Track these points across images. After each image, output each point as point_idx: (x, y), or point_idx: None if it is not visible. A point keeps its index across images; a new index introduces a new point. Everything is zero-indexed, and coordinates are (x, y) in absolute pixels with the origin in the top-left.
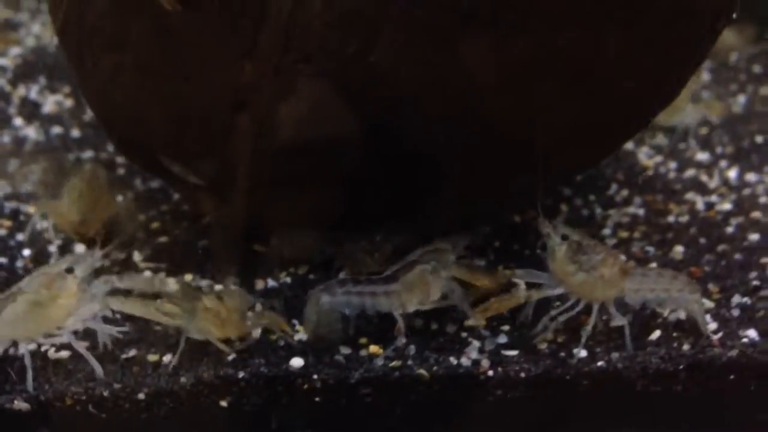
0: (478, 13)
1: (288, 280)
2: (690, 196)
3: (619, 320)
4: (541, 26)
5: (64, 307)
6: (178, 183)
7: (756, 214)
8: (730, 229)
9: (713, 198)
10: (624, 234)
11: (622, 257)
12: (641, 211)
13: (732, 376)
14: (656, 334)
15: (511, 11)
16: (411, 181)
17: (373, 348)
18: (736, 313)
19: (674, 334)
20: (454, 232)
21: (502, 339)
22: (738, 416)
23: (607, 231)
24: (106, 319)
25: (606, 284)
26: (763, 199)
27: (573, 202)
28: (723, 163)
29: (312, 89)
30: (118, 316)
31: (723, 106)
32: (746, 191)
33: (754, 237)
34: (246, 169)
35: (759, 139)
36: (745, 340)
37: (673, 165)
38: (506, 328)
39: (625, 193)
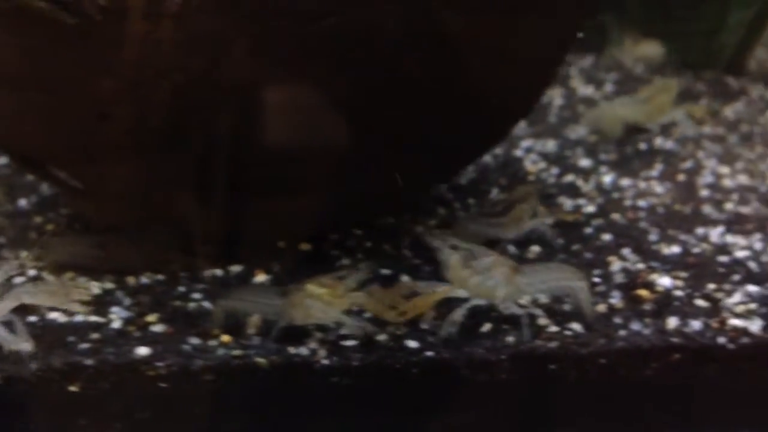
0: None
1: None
2: (561, 199)
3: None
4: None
5: None
6: (68, 189)
7: (615, 216)
8: (588, 230)
9: (581, 201)
10: None
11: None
12: None
13: (552, 366)
14: (487, 326)
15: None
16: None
17: (225, 338)
18: (567, 307)
19: (503, 326)
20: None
21: (345, 331)
22: (557, 404)
23: None
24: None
25: (502, 283)
26: (627, 202)
27: (452, 205)
28: (603, 169)
29: (170, 102)
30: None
31: (704, 109)
32: (615, 194)
33: (606, 237)
34: (119, 173)
35: (642, 146)
36: (568, 332)
37: (554, 171)
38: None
39: (504, 197)
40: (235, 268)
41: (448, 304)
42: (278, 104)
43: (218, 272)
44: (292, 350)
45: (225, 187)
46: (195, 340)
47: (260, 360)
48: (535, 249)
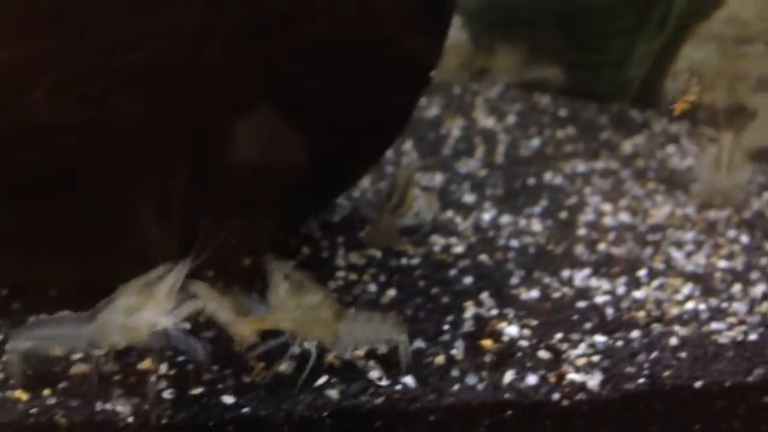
0: None
1: None
2: (434, 238)
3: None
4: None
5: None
6: None
7: (483, 257)
8: (453, 272)
9: (453, 240)
10: (353, 276)
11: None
12: (379, 254)
13: (378, 424)
14: (323, 378)
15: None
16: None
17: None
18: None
19: (333, 380)
20: None
21: (162, 384)
22: None
23: (340, 273)
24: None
25: (321, 324)
26: (501, 241)
27: (319, 243)
28: (486, 205)
29: None
30: None
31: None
32: (491, 233)
33: (468, 280)
34: None
35: (531, 181)
36: (398, 387)
37: (435, 206)
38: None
39: (376, 236)
40: None
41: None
42: (91, 141)
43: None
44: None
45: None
46: None
47: (60, 419)
48: (391, 293)
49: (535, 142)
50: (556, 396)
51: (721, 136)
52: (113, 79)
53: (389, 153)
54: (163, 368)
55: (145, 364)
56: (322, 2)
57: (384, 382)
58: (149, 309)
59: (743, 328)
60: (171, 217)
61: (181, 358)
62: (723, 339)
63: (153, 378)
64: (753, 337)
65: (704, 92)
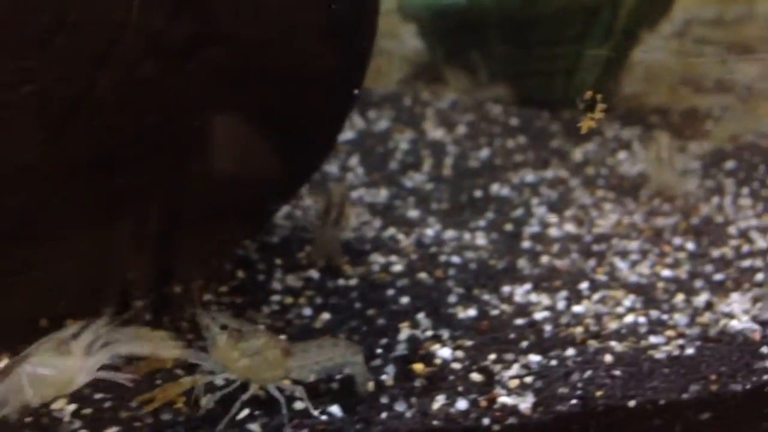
0: None
1: None
2: (374, 257)
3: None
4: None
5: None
6: None
7: (422, 275)
8: (390, 292)
9: (393, 258)
10: (289, 300)
11: (282, 338)
12: (317, 275)
13: None
14: (245, 412)
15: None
16: None
17: None
18: (335, 386)
19: (256, 413)
20: None
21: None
22: None
23: (276, 297)
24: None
25: (270, 366)
26: (442, 258)
27: (255, 266)
28: (431, 220)
29: None
30: None
31: None
32: (433, 249)
33: (404, 300)
34: None
35: (478, 193)
36: (324, 417)
37: (377, 224)
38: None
39: (316, 257)
40: None
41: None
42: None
43: None
44: None
45: None
46: None
47: None
48: (325, 317)
49: (485, 152)
50: (486, 421)
51: (658, 136)
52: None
53: (334, 169)
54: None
55: (59, 404)
56: (226, 27)
57: (313, 413)
58: (65, 366)
59: (681, 341)
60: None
61: (98, 396)
62: (659, 354)
63: (66, 419)
64: (690, 351)
65: (651, 96)
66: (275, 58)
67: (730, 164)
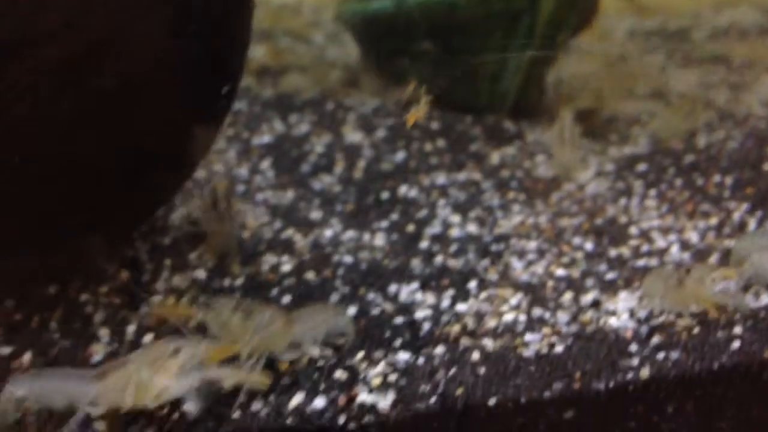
0: None
1: None
2: (266, 257)
3: None
4: None
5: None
6: None
7: (309, 275)
8: (274, 292)
9: (284, 258)
10: (171, 300)
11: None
12: (203, 275)
13: None
14: None
15: None
16: None
17: None
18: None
19: None
20: None
21: None
22: None
23: (157, 298)
24: None
25: (276, 337)
26: (335, 258)
27: (143, 267)
28: (332, 221)
29: None
30: None
31: None
32: (328, 250)
33: (286, 299)
34: None
35: (385, 195)
36: (176, 414)
37: (277, 225)
38: None
39: (208, 257)
40: None
41: None
42: None
43: None
44: None
45: None
46: None
47: None
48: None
49: (400, 155)
50: (341, 419)
51: (563, 115)
52: None
53: (244, 171)
54: None
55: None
56: (54, 25)
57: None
58: (161, 377)
59: (554, 339)
60: None
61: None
62: (528, 352)
63: None
64: (559, 349)
65: (577, 101)
66: (115, 61)
67: (642, 167)
